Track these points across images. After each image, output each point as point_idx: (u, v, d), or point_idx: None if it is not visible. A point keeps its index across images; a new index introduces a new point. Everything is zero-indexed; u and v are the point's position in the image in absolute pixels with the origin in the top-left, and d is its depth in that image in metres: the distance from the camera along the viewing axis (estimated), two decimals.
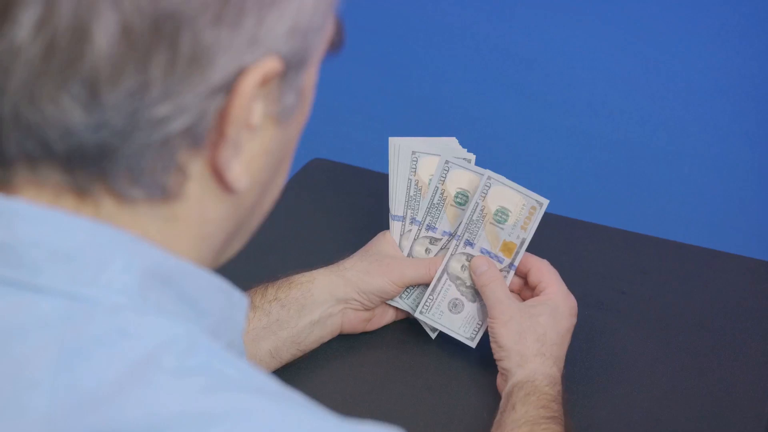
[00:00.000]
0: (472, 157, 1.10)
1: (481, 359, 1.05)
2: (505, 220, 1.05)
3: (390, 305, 1.07)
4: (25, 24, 0.48)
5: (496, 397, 1.00)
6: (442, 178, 1.07)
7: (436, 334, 1.07)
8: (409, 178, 1.08)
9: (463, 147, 1.11)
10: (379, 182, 1.19)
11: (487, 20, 2.44)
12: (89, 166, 0.50)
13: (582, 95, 2.35)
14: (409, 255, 1.08)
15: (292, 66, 0.53)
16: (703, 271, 1.21)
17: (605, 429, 1.00)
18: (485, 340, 1.04)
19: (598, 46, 2.37)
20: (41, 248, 0.50)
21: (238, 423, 0.48)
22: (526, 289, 1.06)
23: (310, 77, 0.56)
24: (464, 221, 1.05)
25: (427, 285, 1.05)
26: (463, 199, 1.08)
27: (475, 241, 1.05)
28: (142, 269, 0.51)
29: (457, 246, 1.05)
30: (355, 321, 1.05)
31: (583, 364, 1.05)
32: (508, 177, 1.06)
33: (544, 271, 1.03)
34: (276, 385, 0.52)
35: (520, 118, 2.35)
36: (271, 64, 0.51)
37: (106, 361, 0.48)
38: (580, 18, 2.40)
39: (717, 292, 1.17)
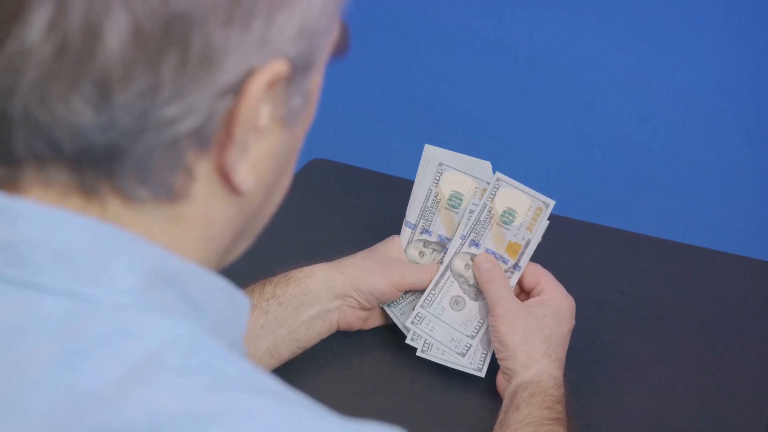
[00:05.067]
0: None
1: None
2: (512, 221, 1.05)
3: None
4: (36, 25, 0.48)
5: (497, 397, 1.00)
6: (436, 180, 1.07)
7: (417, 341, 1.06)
8: (429, 189, 1.08)
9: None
10: (379, 182, 1.20)
11: (488, 21, 2.43)
12: (97, 167, 0.50)
13: (582, 95, 2.35)
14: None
15: (299, 69, 0.53)
16: (703, 271, 1.21)
17: (605, 429, 1.00)
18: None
19: (598, 46, 2.37)
20: (43, 247, 0.50)
21: (239, 422, 0.48)
22: (521, 293, 1.06)
23: (316, 80, 0.56)
24: (471, 222, 1.05)
25: (421, 291, 1.05)
26: (456, 202, 1.07)
27: (480, 242, 1.05)
28: (144, 269, 0.51)
29: (462, 245, 1.05)
30: (353, 318, 1.04)
31: (583, 364, 1.05)
32: (507, 176, 1.06)
33: (539, 274, 1.03)
34: (278, 385, 0.51)
35: (520, 117, 2.35)
36: (278, 67, 0.51)
37: (107, 361, 0.48)
38: (581, 19, 2.39)
39: (717, 292, 1.17)
